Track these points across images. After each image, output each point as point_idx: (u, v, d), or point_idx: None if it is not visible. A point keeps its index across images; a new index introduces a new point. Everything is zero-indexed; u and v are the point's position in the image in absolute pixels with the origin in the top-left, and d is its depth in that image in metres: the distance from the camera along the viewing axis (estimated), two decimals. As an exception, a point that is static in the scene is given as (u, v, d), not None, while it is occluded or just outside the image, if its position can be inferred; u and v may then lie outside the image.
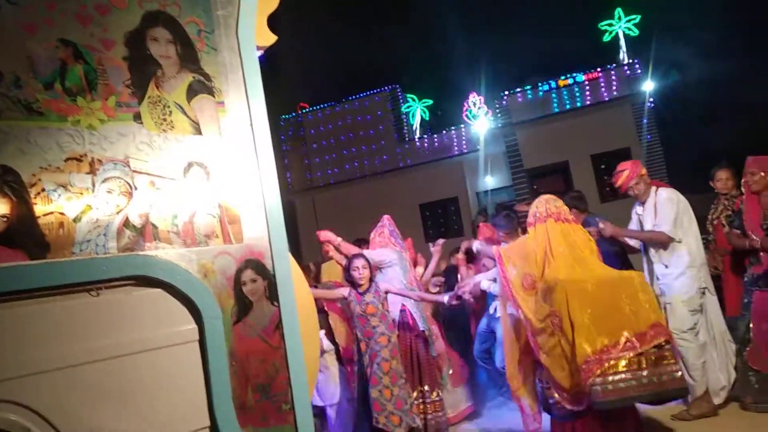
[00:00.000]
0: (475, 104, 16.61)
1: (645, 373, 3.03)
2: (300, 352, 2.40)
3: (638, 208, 4.59)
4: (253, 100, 2.51)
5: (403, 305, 4.69)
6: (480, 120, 16.28)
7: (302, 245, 16.89)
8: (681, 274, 4.22)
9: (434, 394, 4.60)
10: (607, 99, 14.80)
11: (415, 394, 4.45)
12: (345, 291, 4.34)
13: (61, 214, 1.90)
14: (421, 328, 4.63)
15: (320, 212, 17.64)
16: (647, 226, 4.39)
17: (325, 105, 18.24)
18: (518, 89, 15.64)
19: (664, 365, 3.01)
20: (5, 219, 1.78)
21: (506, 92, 15.70)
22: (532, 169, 15.21)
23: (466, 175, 16.86)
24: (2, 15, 1.89)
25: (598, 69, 15.10)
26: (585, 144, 14.58)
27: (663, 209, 4.25)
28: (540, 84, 15.45)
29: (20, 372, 1.73)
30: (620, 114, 14.61)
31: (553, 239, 3.53)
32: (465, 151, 16.84)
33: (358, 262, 4.34)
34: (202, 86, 2.37)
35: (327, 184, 17.90)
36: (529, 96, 15.51)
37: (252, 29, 2.58)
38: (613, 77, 14.97)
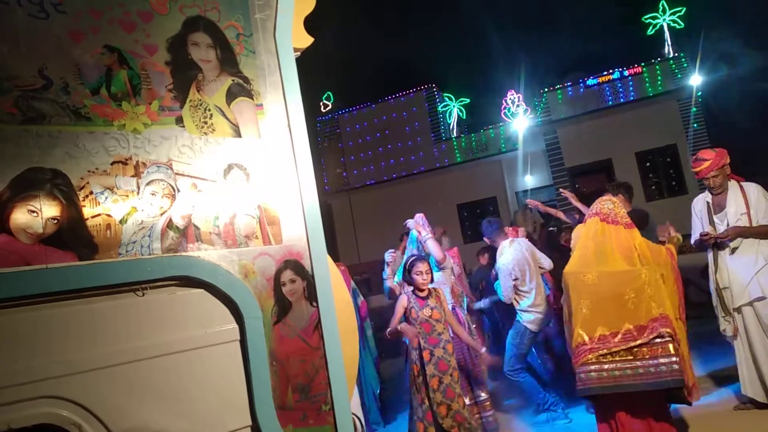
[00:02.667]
0: (513, 102, 16.38)
1: (640, 363, 3.17)
2: (339, 352, 2.41)
3: (708, 199, 4.33)
4: (290, 102, 2.53)
5: (453, 305, 4.64)
6: (519, 118, 16.05)
7: (339, 246, 17.01)
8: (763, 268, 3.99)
9: (483, 393, 4.55)
10: (651, 94, 14.37)
11: (468, 396, 4.40)
12: (404, 301, 4.11)
13: (108, 216, 1.95)
14: (467, 328, 4.60)
15: (357, 213, 17.72)
16: (731, 220, 4.14)
17: (362, 105, 18.32)
18: (558, 86, 15.35)
19: (662, 356, 3.12)
20: (56, 221, 1.84)
21: (546, 89, 15.43)
22: (573, 167, 14.89)
23: (505, 174, 16.65)
24: (51, 24, 1.96)
25: (642, 63, 14.67)
26: (629, 141, 14.19)
27: (761, 201, 4.04)
28: (581, 80, 15.12)
29: (70, 370, 1.79)
30: (666, 109, 14.17)
31: (586, 234, 3.66)
32: (503, 149, 16.64)
33: (423, 266, 4.11)
34: (241, 89, 2.40)
35: (363, 185, 17.97)
36: (570, 93, 15.20)
37: (289, 32, 2.60)
38: (658, 72, 14.52)
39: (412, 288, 4.17)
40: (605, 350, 3.24)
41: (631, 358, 3.20)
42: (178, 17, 2.28)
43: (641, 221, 4.66)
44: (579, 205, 5.37)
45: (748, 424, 3.96)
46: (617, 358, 3.23)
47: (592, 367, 3.26)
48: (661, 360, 3.13)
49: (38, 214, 1.81)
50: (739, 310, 4.07)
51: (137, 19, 2.17)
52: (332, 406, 2.34)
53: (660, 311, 3.20)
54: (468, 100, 18.07)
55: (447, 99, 17.95)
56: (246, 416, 2.13)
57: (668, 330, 3.13)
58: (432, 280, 4.25)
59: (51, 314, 1.80)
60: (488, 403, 4.56)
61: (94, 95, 2.01)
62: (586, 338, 3.31)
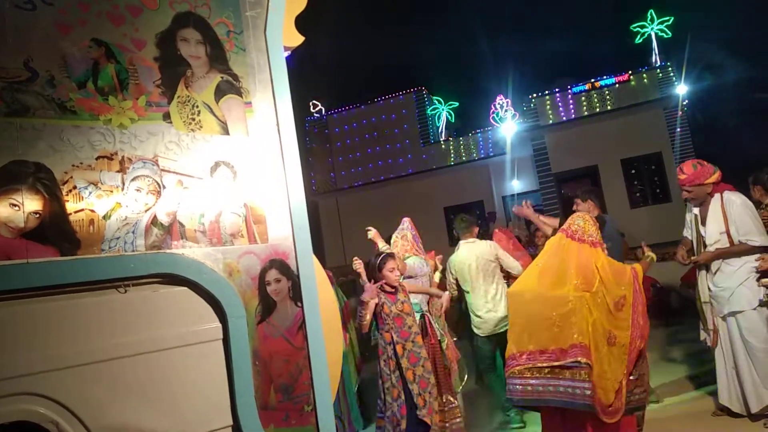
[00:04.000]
0: (501, 107, 16.47)
1: (561, 382, 3.45)
2: (323, 353, 2.40)
3: (696, 211, 4.37)
4: (279, 101, 2.52)
5: (423, 312, 4.65)
6: (507, 123, 16.14)
7: (325, 246, 16.96)
8: (746, 280, 4.05)
9: (451, 399, 4.56)
10: (638, 102, 14.53)
11: (437, 402, 4.42)
12: (374, 296, 4.19)
13: (92, 211, 1.93)
14: (438, 336, 4.60)
15: (344, 213, 17.69)
16: (712, 231, 4.17)
17: (351, 106, 18.31)
18: (547, 92, 15.45)
19: (578, 381, 3.39)
20: (37, 215, 1.82)
21: (534, 95, 15.54)
22: (560, 173, 15.00)
23: (492, 178, 16.73)
24: (38, 16, 1.93)
25: (630, 71, 14.83)
26: (615, 148, 14.32)
27: (743, 217, 4.07)
28: (569, 86, 15.24)
29: (49, 366, 1.77)
30: (652, 117, 14.32)
31: (546, 250, 3.84)
32: (491, 154, 16.71)
33: (393, 263, 4.17)
34: (230, 86, 2.39)
35: (351, 186, 17.95)
36: (558, 99, 15.32)
37: (280, 30, 2.59)
38: (645, 80, 14.69)
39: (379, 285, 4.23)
40: (531, 365, 3.50)
41: (552, 376, 3.47)
42: (168, 12, 2.26)
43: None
44: (534, 218, 5.33)
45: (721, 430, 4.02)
46: (542, 375, 3.49)
47: (518, 380, 3.55)
48: (577, 384, 3.38)
49: (20, 207, 1.78)
50: (724, 319, 4.12)
51: (126, 12, 2.15)
52: (315, 406, 2.33)
53: (580, 339, 3.42)
54: (457, 104, 18.13)
55: (436, 102, 18.00)
56: (227, 416, 2.11)
57: (585, 359, 3.37)
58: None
59: (31, 309, 1.77)
60: (457, 410, 4.57)
61: (80, 89, 1.98)
62: (516, 352, 3.58)
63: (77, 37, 2.01)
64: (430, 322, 4.62)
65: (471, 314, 4.96)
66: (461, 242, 5.08)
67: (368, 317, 4.11)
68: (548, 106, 15.44)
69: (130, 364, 1.92)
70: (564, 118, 15.14)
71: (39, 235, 1.81)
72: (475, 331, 4.91)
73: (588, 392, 3.33)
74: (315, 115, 18.57)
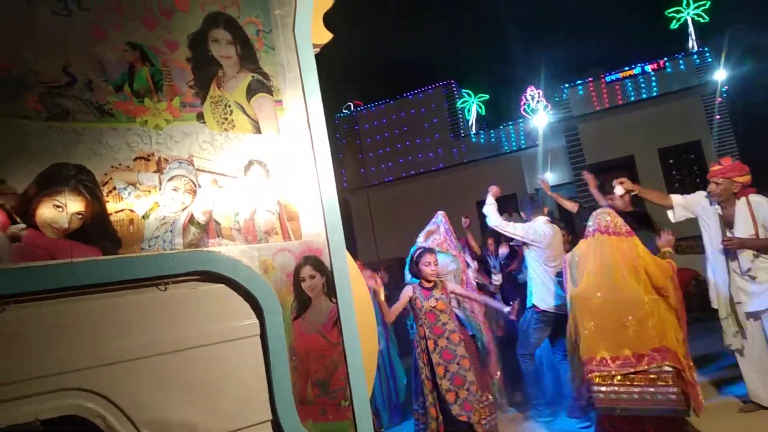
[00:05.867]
0: (533, 98, 16.21)
1: (637, 389, 3.35)
2: (358, 348, 2.41)
3: (720, 211, 4.26)
4: (309, 98, 2.53)
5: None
6: (539, 114, 15.89)
7: (358, 242, 17.03)
8: None
9: (489, 396, 4.53)
10: (675, 89, 14.11)
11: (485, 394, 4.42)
12: (409, 291, 4.20)
13: (131, 211, 1.98)
14: (471, 333, 4.57)
15: (375, 209, 17.72)
16: (741, 234, 4.08)
17: (380, 102, 18.30)
18: (579, 81, 15.15)
19: (661, 386, 3.29)
20: (80, 216, 1.87)
21: (566, 85, 15.25)
22: (594, 164, 14.69)
23: (525, 171, 16.49)
24: (74, 21, 1.99)
25: (665, 58, 14.41)
26: (652, 137, 13.94)
27: None
28: (602, 75, 14.90)
29: (95, 362, 1.82)
30: (690, 105, 13.89)
31: (591, 254, 3.81)
32: (523, 146, 16.49)
33: (430, 257, 4.18)
34: (261, 85, 2.41)
35: (381, 181, 17.96)
36: (591, 88, 15.00)
37: (308, 28, 2.60)
38: (682, 66, 14.25)
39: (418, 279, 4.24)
40: (605, 373, 3.43)
41: (628, 383, 3.38)
42: (199, 14, 2.30)
43: (642, 223, 4.63)
44: (595, 192, 5.32)
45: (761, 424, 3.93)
46: (615, 382, 3.42)
47: (595, 387, 3.46)
48: (660, 389, 3.28)
49: (63, 209, 1.84)
50: (755, 317, 4.02)
51: (159, 15, 2.19)
52: (351, 401, 2.34)
53: (663, 343, 3.33)
54: (487, 96, 17.93)
55: (466, 95, 17.84)
56: (266, 410, 2.14)
57: (672, 363, 3.27)
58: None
59: (76, 308, 1.83)
60: (492, 406, 4.54)
61: (117, 92, 2.03)
62: (587, 358, 3.51)
63: (113, 41, 2.06)
64: (458, 317, 4.60)
65: (541, 288, 4.79)
66: (540, 219, 4.99)
67: (394, 307, 4.18)
68: (581, 96, 15.13)
69: (172, 359, 1.96)
70: (598, 108, 14.81)
71: (82, 235, 1.86)
72: (542, 305, 4.72)
73: (672, 397, 3.26)
74: (345, 111, 18.63)
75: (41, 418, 1.71)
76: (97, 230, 1.89)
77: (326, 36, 2.75)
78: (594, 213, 3.98)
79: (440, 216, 5.21)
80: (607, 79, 14.94)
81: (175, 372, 1.97)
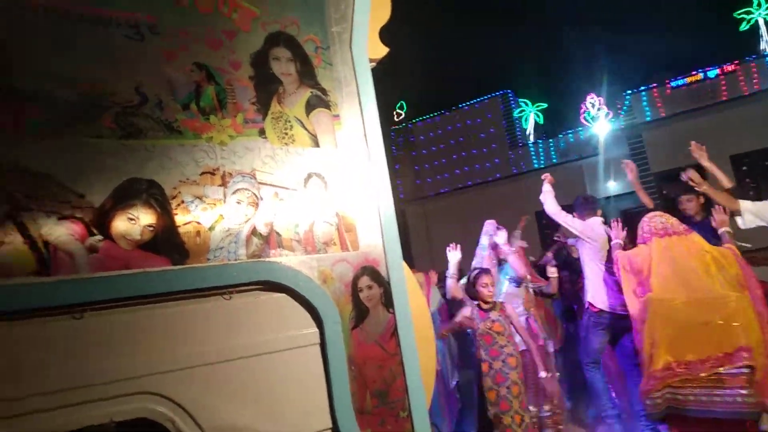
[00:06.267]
0: (593, 105, 15.79)
1: (719, 392, 3.25)
2: (416, 359, 2.41)
3: None
4: (366, 112, 2.58)
5: (526, 317, 4.57)
6: (599, 122, 15.45)
7: (414, 253, 17.01)
8: None
9: (548, 407, 4.41)
10: (747, 94, 13.40)
11: (547, 407, 4.32)
12: (467, 311, 4.17)
13: (198, 223, 2.07)
14: (541, 340, 4.49)
15: (431, 220, 17.68)
16: None
17: (435, 114, 18.31)
18: (642, 87, 14.63)
19: (739, 388, 3.18)
20: (152, 228, 1.97)
21: (629, 91, 14.76)
22: (660, 172, 14.11)
23: (586, 180, 16.04)
24: (146, 45, 2.11)
25: (735, 61, 13.72)
26: (722, 144, 13.24)
27: None
28: (667, 80, 14.34)
29: (165, 367, 1.90)
30: (764, 110, 13.15)
31: (655, 258, 3.74)
32: (584, 155, 16.06)
33: (488, 279, 4.14)
34: (320, 100, 2.48)
35: (438, 192, 17.91)
36: (655, 94, 14.46)
37: (364, 43, 2.66)
38: (753, 69, 13.52)
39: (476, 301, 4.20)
40: (691, 375, 3.32)
41: (711, 385, 3.29)
42: (260, 34, 2.39)
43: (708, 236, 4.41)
44: (637, 185, 5.10)
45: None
46: (699, 384, 3.32)
47: (673, 390, 3.39)
48: (740, 391, 3.19)
49: (136, 221, 1.95)
50: None
51: (223, 37, 2.29)
52: (410, 412, 2.34)
53: (746, 342, 3.22)
54: (545, 105, 17.61)
55: (523, 104, 17.59)
56: (327, 419, 2.17)
57: (750, 363, 3.17)
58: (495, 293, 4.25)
59: (148, 315, 1.92)
60: (555, 418, 4.39)
61: (184, 110, 2.14)
62: (672, 361, 3.41)
63: (181, 62, 2.17)
64: (532, 324, 4.52)
65: (596, 286, 4.62)
66: (596, 220, 4.93)
67: (450, 326, 4.19)
68: (645, 102, 14.60)
69: (236, 366, 2.03)
70: (663, 114, 14.25)
71: (153, 247, 1.96)
72: (598, 304, 4.52)
73: (750, 399, 3.18)
74: (400, 123, 18.75)
75: (116, 420, 1.81)
76: (166, 241, 1.99)
77: (382, 50, 2.79)
78: (645, 218, 3.92)
79: (489, 226, 5.12)
80: (672, 84, 14.36)
81: (238, 379, 2.03)
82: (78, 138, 1.90)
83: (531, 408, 4.25)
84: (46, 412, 1.70)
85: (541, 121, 17.70)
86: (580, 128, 16.15)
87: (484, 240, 5.01)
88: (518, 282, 4.73)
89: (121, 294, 1.86)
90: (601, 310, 4.52)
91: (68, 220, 1.83)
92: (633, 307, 3.92)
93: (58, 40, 1.93)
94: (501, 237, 4.92)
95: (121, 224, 1.92)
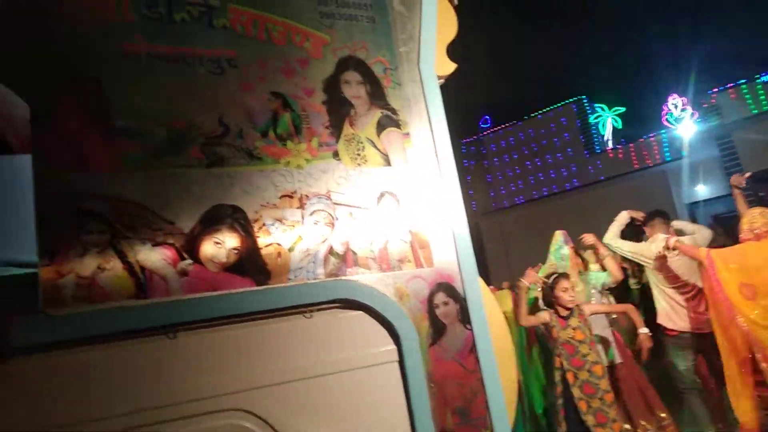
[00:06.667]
0: (676, 106, 15.01)
1: None
2: (496, 376, 2.37)
3: None
4: (436, 128, 2.60)
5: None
6: (684, 123, 14.65)
7: (490, 267, 16.74)
8: None
9: (664, 415, 4.16)
10: None
11: (650, 421, 4.11)
12: (546, 316, 4.04)
13: (278, 245, 2.16)
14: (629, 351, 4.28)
15: (506, 232, 17.34)
16: None
17: (507, 124, 18.06)
18: (730, 84, 13.75)
19: None
20: (236, 251, 2.08)
21: (714, 89, 13.92)
22: (755, 173, 13.16)
23: (672, 185, 15.21)
24: (226, 78, 2.25)
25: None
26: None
27: None
28: (757, 75, 13.40)
29: (251, 385, 1.99)
30: None
31: (755, 265, 3.58)
32: (668, 158, 15.25)
33: (567, 283, 3.99)
34: (390, 120, 2.53)
35: (512, 204, 17.58)
36: (745, 90, 13.54)
37: (432, 61, 2.69)
38: None
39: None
40: None
41: None
42: (331, 60, 2.48)
43: None
44: (738, 196, 4.73)
45: None
46: None
47: None
48: None
49: (222, 245, 2.06)
50: None
51: (296, 65, 2.40)
52: (492, 430, 2.30)
53: None
54: (623, 109, 16.94)
55: (599, 109, 17.00)
56: (407, 437, 2.18)
57: None
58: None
59: (234, 334, 2.02)
60: (671, 427, 4.13)
61: (263, 137, 2.25)
62: None
63: (258, 92, 2.30)
64: (616, 335, 4.33)
65: (664, 306, 4.41)
66: (663, 235, 4.69)
67: (532, 319, 4.01)
68: (733, 100, 13.71)
69: (317, 384, 2.08)
70: (755, 111, 13.31)
71: (238, 269, 2.07)
72: (669, 324, 4.32)
73: None
74: (471, 136, 18.63)
75: (207, 436, 1.90)
76: (250, 263, 2.09)
77: (450, 67, 2.81)
78: (752, 211, 3.80)
79: (559, 236, 4.97)
80: (764, 78, 13.39)
81: (320, 396, 2.08)
82: (168, 169, 2.05)
83: (642, 422, 4.06)
84: (141, 428, 1.82)
85: (620, 126, 17.01)
86: (663, 131, 15.37)
87: (565, 250, 4.87)
88: (608, 288, 4.56)
89: (210, 314, 1.97)
90: (673, 330, 4.28)
91: (161, 246, 1.97)
92: (743, 309, 3.66)
93: (150, 81, 2.11)
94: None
95: (208, 248, 2.04)
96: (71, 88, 1.99)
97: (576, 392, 3.74)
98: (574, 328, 3.87)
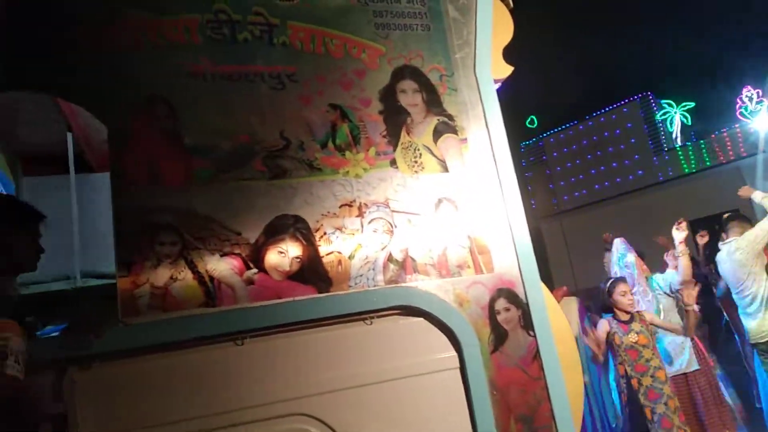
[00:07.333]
0: (751, 99, 14.16)
1: None
2: (562, 383, 2.32)
3: None
4: (493, 133, 2.58)
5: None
6: (760, 116, 13.80)
7: (553, 272, 16.31)
8: None
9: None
10: None
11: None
12: (605, 325, 3.95)
13: (339, 253, 2.21)
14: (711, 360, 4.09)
15: (570, 236, 16.85)
16: None
17: (568, 125, 17.57)
18: (811, 72, 12.86)
19: None
20: (299, 260, 2.15)
21: (793, 79, 13.06)
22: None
23: (747, 182, 14.35)
24: (287, 93, 2.33)
25: None
26: None
27: None
28: (843, 61, 12.48)
29: (314, 390, 2.04)
30: None
31: None
32: (742, 155, 14.40)
33: (625, 287, 3.88)
34: (446, 126, 2.54)
35: (575, 207, 17.06)
36: (828, 78, 12.63)
37: (488, 65, 2.68)
38: None
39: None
40: None
41: None
42: (386, 70, 2.52)
43: None
44: None
45: None
46: None
47: None
48: None
49: (285, 254, 2.13)
50: None
51: (353, 77, 2.45)
52: (558, 439, 2.25)
53: None
54: (692, 104, 16.12)
55: (666, 106, 16.26)
56: (470, 443, 2.17)
57: None
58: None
59: (298, 341, 2.08)
60: None
61: (323, 149, 2.31)
62: None
63: (317, 105, 2.36)
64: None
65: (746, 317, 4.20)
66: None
67: (596, 348, 3.96)
68: (815, 89, 12.80)
69: (377, 390, 2.11)
70: (840, 100, 12.38)
71: (301, 277, 2.14)
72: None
73: None
74: (530, 139, 18.27)
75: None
76: (312, 271, 2.15)
77: (507, 70, 2.79)
78: None
79: (620, 244, 4.78)
80: None
81: (381, 402, 2.10)
82: (234, 182, 2.14)
83: None
84: None
85: (689, 122, 16.21)
86: (737, 125, 14.54)
87: (629, 258, 4.69)
88: (676, 292, 4.36)
89: (276, 321, 2.04)
90: (755, 341, 4.02)
91: (229, 256, 2.06)
92: None
93: (217, 100, 2.21)
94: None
95: (272, 257, 2.12)
96: (145, 109, 2.12)
97: (642, 400, 3.64)
98: (637, 333, 3.75)
